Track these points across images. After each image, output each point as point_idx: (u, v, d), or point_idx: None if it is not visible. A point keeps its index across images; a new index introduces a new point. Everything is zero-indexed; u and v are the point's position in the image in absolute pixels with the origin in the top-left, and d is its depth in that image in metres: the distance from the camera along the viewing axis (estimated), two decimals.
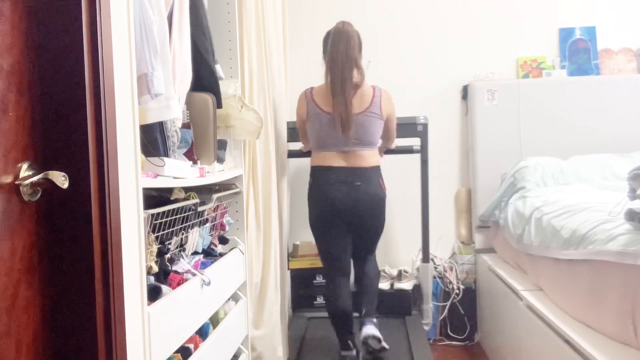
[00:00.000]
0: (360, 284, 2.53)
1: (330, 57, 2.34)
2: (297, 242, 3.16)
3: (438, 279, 3.13)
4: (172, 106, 1.46)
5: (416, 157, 2.99)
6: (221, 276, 1.87)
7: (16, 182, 0.91)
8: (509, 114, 3.17)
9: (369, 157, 2.36)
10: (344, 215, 2.34)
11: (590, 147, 3.07)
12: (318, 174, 2.39)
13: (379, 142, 2.46)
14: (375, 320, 2.46)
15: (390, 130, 2.52)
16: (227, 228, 2.12)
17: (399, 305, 2.93)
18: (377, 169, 2.39)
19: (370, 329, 2.33)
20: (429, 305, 2.98)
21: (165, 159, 1.43)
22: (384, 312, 2.83)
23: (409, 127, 2.84)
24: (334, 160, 2.35)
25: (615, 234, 1.67)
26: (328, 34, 2.39)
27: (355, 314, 2.46)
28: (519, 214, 2.58)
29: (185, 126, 1.79)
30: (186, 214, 1.67)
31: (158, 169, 1.39)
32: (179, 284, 1.53)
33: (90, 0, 1.00)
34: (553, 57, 3.31)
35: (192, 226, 1.75)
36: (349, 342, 2.35)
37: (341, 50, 2.30)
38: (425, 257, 2.99)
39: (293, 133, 2.83)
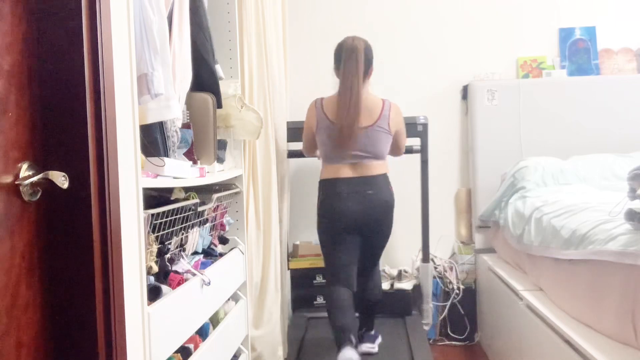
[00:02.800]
0: (364, 299, 2.51)
1: (343, 73, 2.34)
2: (297, 242, 3.15)
3: (438, 279, 3.13)
4: (172, 106, 1.46)
5: (416, 157, 2.99)
6: (221, 276, 1.87)
7: (16, 182, 0.91)
8: (509, 114, 3.17)
9: (377, 166, 2.37)
10: (358, 223, 2.33)
11: (590, 147, 3.07)
12: (329, 187, 2.37)
13: (386, 155, 2.44)
14: (372, 332, 2.59)
15: (400, 145, 2.52)
16: (227, 228, 2.12)
17: (399, 305, 2.93)
18: (385, 176, 2.39)
19: (366, 347, 2.50)
20: (429, 305, 2.98)
21: (165, 159, 1.43)
22: (384, 312, 2.83)
23: (409, 127, 2.82)
24: (344, 171, 2.34)
25: (615, 234, 1.67)
26: (339, 46, 2.38)
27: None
28: (519, 214, 2.58)
29: (185, 126, 1.79)
30: (186, 214, 1.67)
31: (158, 169, 1.39)
32: (179, 284, 1.53)
33: (90, 0, 1.00)
34: (553, 57, 3.31)
35: (192, 226, 1.75)
36: (354, 349, 2.32)
37: (350, 67, 2.31)
38: (425, 257, 2.99)
39: (293, 133, 2.82)
